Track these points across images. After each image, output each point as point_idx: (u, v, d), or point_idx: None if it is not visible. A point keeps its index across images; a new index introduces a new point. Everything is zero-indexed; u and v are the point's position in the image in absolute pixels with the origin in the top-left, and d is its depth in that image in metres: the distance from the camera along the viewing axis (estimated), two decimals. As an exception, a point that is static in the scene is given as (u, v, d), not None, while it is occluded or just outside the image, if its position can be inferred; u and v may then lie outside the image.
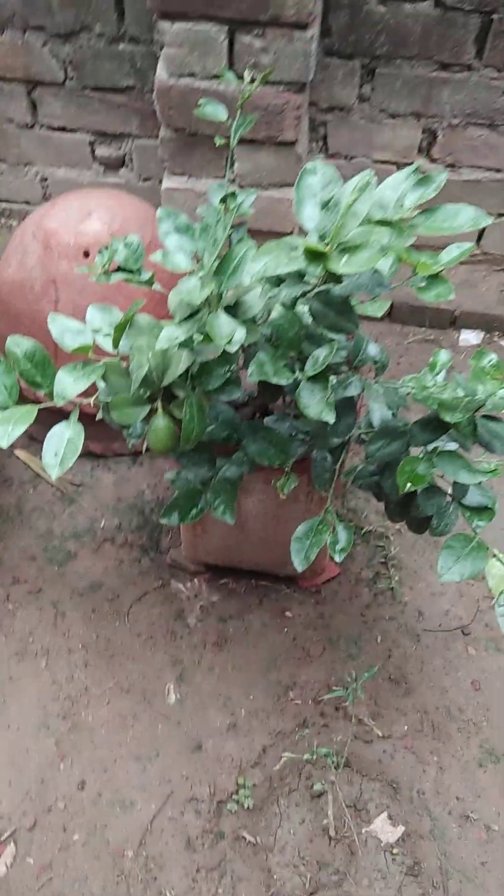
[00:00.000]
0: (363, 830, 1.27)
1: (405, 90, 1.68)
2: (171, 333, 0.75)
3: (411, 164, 1.83)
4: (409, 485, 0.85)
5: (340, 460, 1.05)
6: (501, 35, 1.58)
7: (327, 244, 0.65)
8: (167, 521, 1.04)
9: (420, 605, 1.52)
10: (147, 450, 1.09)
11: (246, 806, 1.27)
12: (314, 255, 0.65)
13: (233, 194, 1.21)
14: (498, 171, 1.79)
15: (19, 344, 0.83)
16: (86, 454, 1.72)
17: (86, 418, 0.91)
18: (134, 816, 1.27)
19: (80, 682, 1.41)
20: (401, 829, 1.27)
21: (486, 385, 0.75)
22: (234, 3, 1.45)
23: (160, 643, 1.47)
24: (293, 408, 1.15)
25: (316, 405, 0.77)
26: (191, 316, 0.77)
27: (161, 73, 1.57)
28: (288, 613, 1.51)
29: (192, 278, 0.76)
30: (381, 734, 1.34)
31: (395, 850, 1.25)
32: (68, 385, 0.83)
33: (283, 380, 0.78)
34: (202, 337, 0.79)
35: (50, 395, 0.84)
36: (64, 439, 0.82)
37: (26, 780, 1.29)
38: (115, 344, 0.84)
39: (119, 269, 1.04)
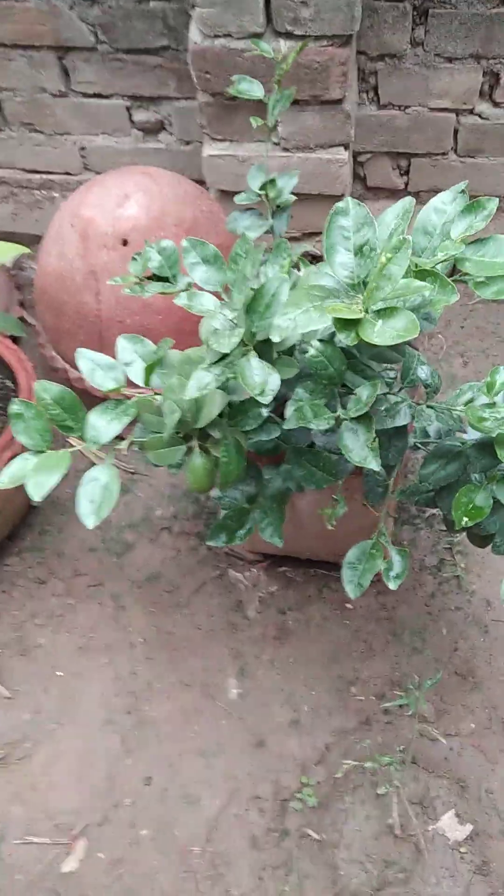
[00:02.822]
0: (430, 828, 1.26)
1: (462, 31, 1.51)
2: (202, 380, 0.70)
3: (472, 109, 1.67)
4: (465, 520, 0.79)
5: (395, 474, 0.99)
6: None
7: (361, 303, 0.57)
8: (214, 543, 1.01)
9: (488, 594, 1.46)
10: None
11: (310, 804, 1.27)
12: (345, 323, 0.58)
13: (272, 181, 1.13)
14: None
15: (47, 389, 0.80)
16: (139, 440, 1.70)
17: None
18: (200, 812, 1.29)
19: (143, 678, 1.42)
20: (469, 827, 1.25)
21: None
22: (269, -48, 1.32)
23: (220, 636, 1.46)
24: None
25: (360, 449, 0.71)
26: (222, 358, 0.71)
27: (194, 34, 1.46)
28: (349, 605, 1.47)
29: (220, 315, 0.70)
30: (446, 733, 1.31)
31: (462, 849, 1.24)
32: (102, 428, 0.79)
33: (324, 423, 0.72)
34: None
35: (83, 439, 0.81)
36: (100, 485, 0.79)
37: (94, 776, 1.33)
38: (146, 382, 0.79)
39: (154, 276, 0.99)
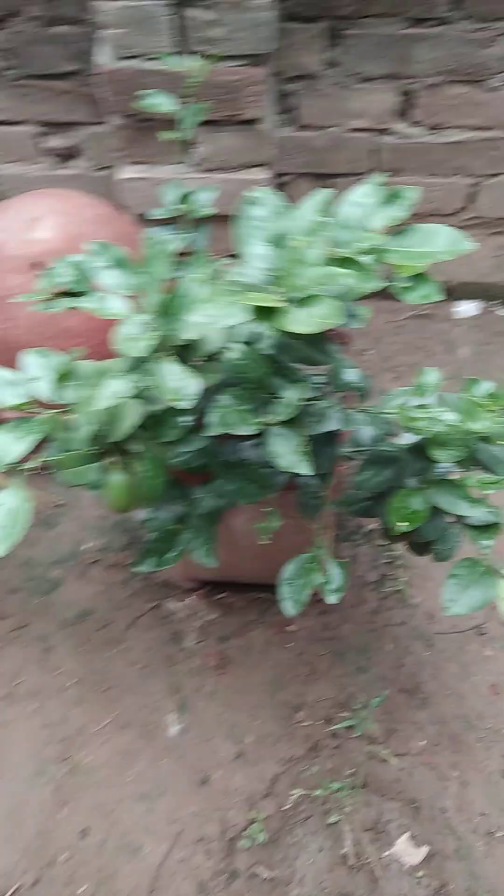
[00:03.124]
0: (384, 854, 1.21)
1: (377, 51, 1.54)
2: (115, 388, 0.65)
3: (389, 129, 1.70)
4: (405, 524, 0.76)
5: (328, 484, 0.96)
6: (476, -19, 1.43)
7: (279, 293, 0.54)
8: (143, 568, 0.95)
9: (431, 607, 1.44)
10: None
11: (259, 841, 1.21)
12: (263, 311, 0.55)
13: (187, 195, 1.10)
14: (486, 128, 1.65)
15: None
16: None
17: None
18: (142, 861, 1.20)
19: (76, 722, 1.34)
20: (424, 849, 1.21)
21: (480, 422, 0.65)
22: (175, -28, 1.31)
23: (157, 671, 1.39)
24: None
25: (289, 455, 0.68)
26: (137, 365, 0.66)
27: (102, 57, 1.44)
28: (291, 627, 1.43)
29: (131, 322, 0.66)
30: (396, 753, 1.27)
31: (419, 873, 1.19)
32: (6, 447, 0.73)
33: (250, 429, 0.68)
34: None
35: (-10, 461, 0.75)
36: (6, 510, 0.73)
37: (25, 833, 1.23)
38: (56, 396, 0.74)
39: (65, 292, 0.94)
